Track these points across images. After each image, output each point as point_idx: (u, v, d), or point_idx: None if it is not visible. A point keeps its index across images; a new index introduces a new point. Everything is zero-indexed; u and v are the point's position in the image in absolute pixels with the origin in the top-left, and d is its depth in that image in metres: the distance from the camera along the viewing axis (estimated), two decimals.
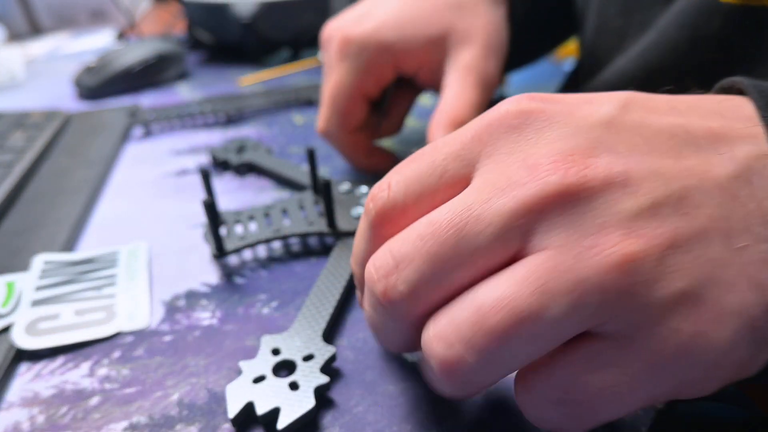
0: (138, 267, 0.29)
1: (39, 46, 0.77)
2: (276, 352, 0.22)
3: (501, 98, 0.18)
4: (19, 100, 0.56)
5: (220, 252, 0.28)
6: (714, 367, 0.14)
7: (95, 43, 0.77)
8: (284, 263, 0.29)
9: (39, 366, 0.23)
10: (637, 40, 0.31)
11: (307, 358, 0.22)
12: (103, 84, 0.54)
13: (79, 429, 0.20)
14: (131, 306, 0.26)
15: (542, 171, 0.14)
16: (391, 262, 0.16)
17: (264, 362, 0.22)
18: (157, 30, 0.82)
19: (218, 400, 0.21)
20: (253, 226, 0.30)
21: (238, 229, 0.30)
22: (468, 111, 0.28)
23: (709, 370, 0.14)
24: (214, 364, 0.23)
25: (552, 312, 0.13)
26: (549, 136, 0.15)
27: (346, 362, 0.23)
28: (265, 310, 0.26)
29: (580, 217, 0.14)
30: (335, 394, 0.21)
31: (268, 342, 0.22)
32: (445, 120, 0.28)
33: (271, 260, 0.29)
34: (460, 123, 0.27)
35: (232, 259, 0.30)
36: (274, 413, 0.20)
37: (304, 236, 0.30)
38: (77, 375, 0.23)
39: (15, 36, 0.82)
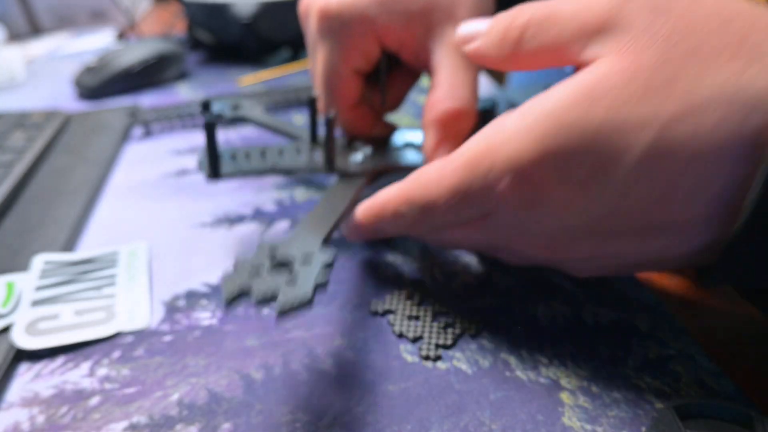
0: (138, 267, 0.29)
1: (39, 46, 0.77)
2: (272, 250, 0.21)
3: (493, 107, 0.19)
4: (19, 100, 0.56)
5: (214, 173, 0.27)
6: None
7: (95, 43, 0.77)
8: None
9: (39, 366, 0.23)
10: None
11: (306, 258, 0.21)
12: (103, 84, 0.54)
13: (79, 429, 0.20)
14: (131, 306, 0.26)
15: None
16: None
17: (260, 258, 0.21)
18: (157, 30, 0.82)
19: (218, 400, 0.21)
20: (249, 160, 0.29)
21: (235, 159, 0.29)
22: (464, 94, 0.28)
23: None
24: (214, 364, 0.23)
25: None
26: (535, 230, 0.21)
27: (346, 362, 0.23)
28: (265, 310, 0.26)
29: None
30: (335, 393, 0.21)
31: (264, 244, 0.21)
32: (441, 110, 0.27)
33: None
34: (457, 114, 0.27)
35: (231, 258, 0.30)
36: (270, 300, 0.19)
37: (299, 172, 0.29)
38: (77, 375, 0.23)
39: (15, 36, 0.82)
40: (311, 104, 0.30)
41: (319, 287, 0.19)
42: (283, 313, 0.18)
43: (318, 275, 0.20)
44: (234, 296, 0.19)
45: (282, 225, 0.32)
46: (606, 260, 0.21)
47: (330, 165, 0.28)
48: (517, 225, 0.21)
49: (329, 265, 0.21)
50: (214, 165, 0.27)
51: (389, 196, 0.25)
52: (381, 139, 0.33)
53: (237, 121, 0.37)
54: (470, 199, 0.21)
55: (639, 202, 0.18)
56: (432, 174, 0.22)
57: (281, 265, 0.21)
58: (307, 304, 0.19)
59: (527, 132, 0.19)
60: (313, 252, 0.21)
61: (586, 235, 0.20)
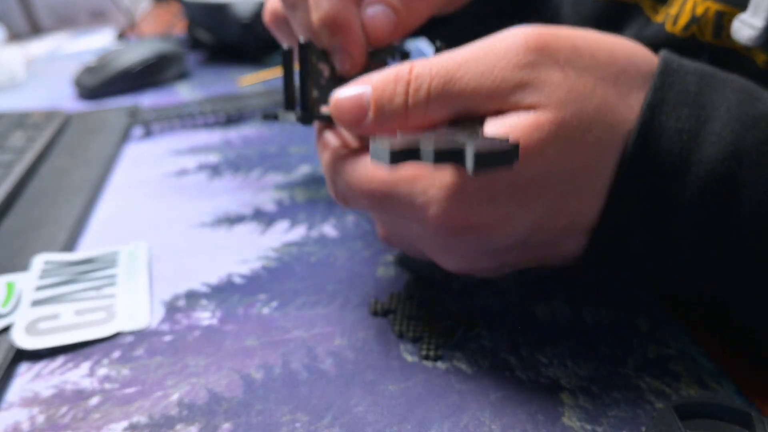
0: (138, 267, 0.29)
1: (39, 46, 0.77)
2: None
3: None
4: (19, 100, 0.56)
5: (308, 112, 0.23)
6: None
7: (95, 43, 0.77)
8: (283, 263, 0.29)
9: (39, 366, 0.23)
10: None
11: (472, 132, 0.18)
12: (103, 84, 0.54)
13: (79, 429, 0.20)
14: (131, 306, 0.26)
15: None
16: None
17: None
18: (157, 30, 0.82)
19: (218, 399, 0.21)
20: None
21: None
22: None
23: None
24: (214, 364, 0.23)
25: None
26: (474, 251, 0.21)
27: (347, 362, 0.23)
28: (265, 310, 0.26)
29: None
30: (335, 393, 0.21)
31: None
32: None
33: (272, 260, 0.29)
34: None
35: (231, 258, 0.30)
36: (454, 154, 0.15)
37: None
38: (77, 375, 0.23)
39: (15, 36, 0.82)
40: (304, 50, 0.23)
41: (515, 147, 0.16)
42: (482, 160, 0.14)
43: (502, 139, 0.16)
44: (401, 152, 0.15)
45: (282, 225, 0.32)
46: (506, 269, 0.23)
47: (306, 109, 0.23)
48: (437, 243, 0.22)
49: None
50: (305, 103, 0.22)
51: (325, 161, 0.24)
52: None
53: None
54: (392, 209, 0.21)
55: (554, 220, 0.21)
56: (364, 172, 0.21)
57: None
58: (511, 153, 0.15)
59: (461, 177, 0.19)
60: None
61: (502, 253, 0.21)
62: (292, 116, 0.23)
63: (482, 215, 0.19)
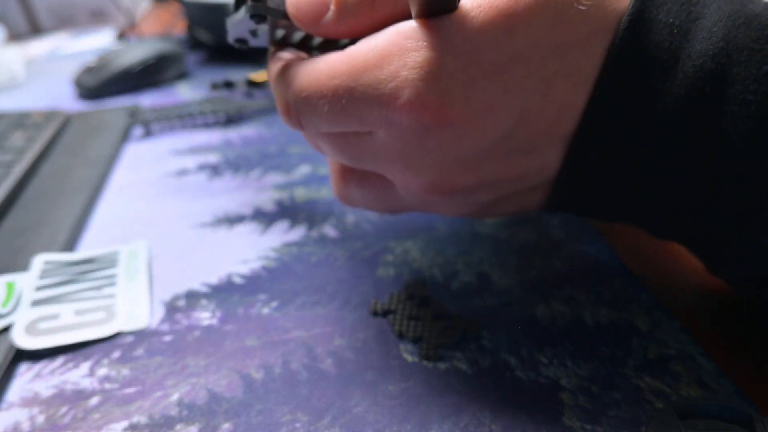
0: (138, 267, 0.29)
1: (39, 46, 0.77)
2: None
3: None
4: (19, 100, 0.56)
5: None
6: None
7: (95, 43, 0.77)
8: (283, 263, 0.29)
9: (39, 366, 0.23)
10: None
11: None
12: (103, 84, 0.54)
13: (79, 429, 0.20)
14: (131, 306, 0.26)
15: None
16: None
17: None
18: (157, 30, 0.82)
19: (218, 399, 0.21)
20: None
21: None
22: None
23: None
24: (214, 364, 0.23)
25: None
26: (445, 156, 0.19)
27: (347, 362, 0.23)
28: (265, 310, 0.26)
29: None
30: (335, 393, 0.21)
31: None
32: None
33: (272, 260, 0.29)
34: None
35: (231, 258, 0.30)
36: None
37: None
38: (77, 375, 0.23)
39: (15, 36, 0.82)
40: None
41: None
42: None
43: None
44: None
45: (282, 225, 0.32)
46: (483, 194, 0.21)
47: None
48: (407, 149, 0.19)
49: None
50: None
51: (275, 71, 0.21)
52: None
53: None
54: (356, 111, 0.19)
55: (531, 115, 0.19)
56: (323, 68, 0.19)
57: None
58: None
59: (447, 42, 0.17)
60: None
61: (479, 160, 0.19)
62: (242, 13, 0.21)
63: (461, 103, 0.17)
